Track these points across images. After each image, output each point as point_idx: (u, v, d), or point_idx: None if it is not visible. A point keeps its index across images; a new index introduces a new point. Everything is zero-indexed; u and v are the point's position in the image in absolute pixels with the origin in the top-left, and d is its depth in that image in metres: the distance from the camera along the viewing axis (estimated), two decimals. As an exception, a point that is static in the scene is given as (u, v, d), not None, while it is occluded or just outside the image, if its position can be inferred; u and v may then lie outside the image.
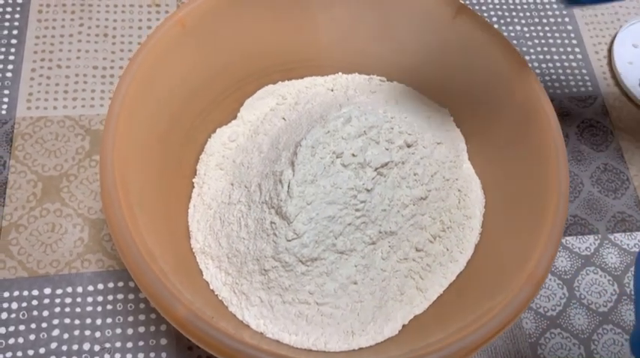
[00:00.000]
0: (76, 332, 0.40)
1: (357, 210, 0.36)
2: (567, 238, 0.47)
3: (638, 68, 0.55)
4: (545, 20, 0.58)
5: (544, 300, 0.44)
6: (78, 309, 0.41)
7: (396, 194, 0.37)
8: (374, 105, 0.41)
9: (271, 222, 0.35)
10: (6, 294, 0.41)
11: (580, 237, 0.47)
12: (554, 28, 0.57)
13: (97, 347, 0.40)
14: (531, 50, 0.56)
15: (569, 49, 0.56)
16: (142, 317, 0.41)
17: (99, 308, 0.41)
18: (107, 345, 0.40)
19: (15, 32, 0.51)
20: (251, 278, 0.36)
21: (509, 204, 0.39)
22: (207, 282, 0.37)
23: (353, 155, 0.36)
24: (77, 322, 0.40)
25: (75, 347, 0.39)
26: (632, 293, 0.28)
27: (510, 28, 0.57)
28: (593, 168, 0.50)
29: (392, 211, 0.37)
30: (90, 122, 0.48)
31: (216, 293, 0.37)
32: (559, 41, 0.57)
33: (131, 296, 0.41)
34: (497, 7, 0.58)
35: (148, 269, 0.30)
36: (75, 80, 0.50)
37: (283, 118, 0.43)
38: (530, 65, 0.39)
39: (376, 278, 0.36)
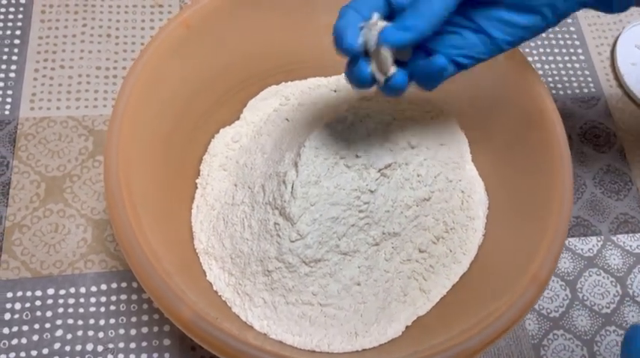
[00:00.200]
0: (80, 333, 0.40)
1: (360, 211, 0.36)
2: (570, 239, 0.47)
3: (641, 69, 0.55)
4: (547, 21, 0.58)
5: (547, 301, 0.44)
6: (81, 310, 0.41)
7: (400, 195, 0.37)
8: (377, 106, 0.41)
9: (275, 223, 0.35)
10: (9, 295, 0.41)
11: (583, 238, 0.47)
12: (557, 29, 0.57)
13: (100, 348, 0.40)
14: (534, 51, 0.56)
15: (571, 51, 0.56)
16: (145, 317, 0.41)
17: (102, 309, 0.41)
18: (110, 346, 0.40)
19: (18, 32, 0.51)
20: (254, 279, 0.36)
21: (512, 205, 0.39)
22: (210, 283, 0.37)
23: (356, 156, 0.36)
24: (80, 323, 0.40)
25: (78, 347, 0.39)
26: None
27: (513, 29, 0.57)
28: (595, 170, 0.50)
29: (395, 212, 0.37)
30: (93, 122, 0.48)
31: (219, 293, 0.37)
32: (562, 42, 0.57)
33: (134, 297, 0.41)
34: (500, 8, 0.58)
35: (153, 271, 0.30)
36: (78, 80, 0.50)
37: (287, 119, 0.43)
38: (532, 66, 0.39)
39: (379, 280, 0.36)
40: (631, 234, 0.48)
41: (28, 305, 0.40)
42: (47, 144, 0.46)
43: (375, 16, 0.29)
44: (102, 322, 0.40)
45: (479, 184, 0.41)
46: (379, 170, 0.36)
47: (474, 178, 0.42)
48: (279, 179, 0.36)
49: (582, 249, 0.47)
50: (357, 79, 0.30)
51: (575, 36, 0.57)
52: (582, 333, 0.43)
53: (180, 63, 0.38)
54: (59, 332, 0.40)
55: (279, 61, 0.45)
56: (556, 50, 0.56)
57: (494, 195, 0.41)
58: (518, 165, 0.39)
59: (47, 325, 0.40)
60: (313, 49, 0.44)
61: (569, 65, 0.55)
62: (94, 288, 0.41)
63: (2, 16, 0.52)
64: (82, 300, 0.41)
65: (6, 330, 0.40)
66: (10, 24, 0.51)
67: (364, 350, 0.35)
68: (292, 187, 0.35)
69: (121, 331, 0.40)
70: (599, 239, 0.47)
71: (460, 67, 0.31)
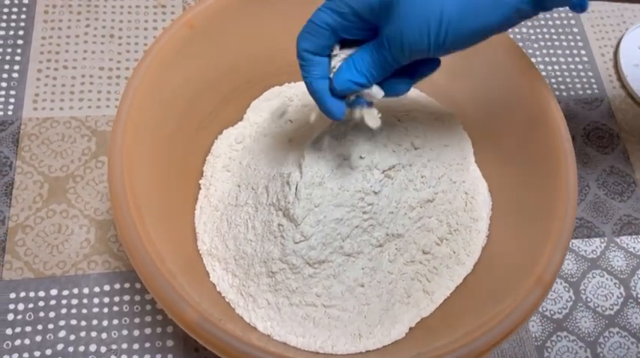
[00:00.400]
0: (83, 334, 0.40)
1: (364, 212, 0.36)
2: (573, 241, 0.47)
3: (644, 71, 0.55)
4: (550, 22, 0.58)
5: (550, 303, 0.44)
6: (84, 311, 0.41)
7: (403, 196, 0.37)
8: (380, 107, 0.41)
9: (279, 224, 0.35)
10: (12, 295, 0.41)
11: (586, 239, 0.47)
12: (560, 30, 0.57)
13: (103, 349, 0.40)
14: (537, 52, 0.56)
15: (575, 52, 0.56)
16: (148, 318, 0.41)
17: (105, 310, 0.41)
18: (114, 347, 0.40)
19: (21, 33, 0.51)
20: (258, 281, 0.36)
21: (516, 206, 0.39)
22: (214, 284, 0.37)
23: (360, 157, 0.36)
24: (83, 323, 0.40)
25: (81, 348, 0.39)
26: None
27: (516, 30, 0.57)
28: (599, 171, 0.50)
29: (399, 214, 0.37)
30: (96, 123, 0.48)
31: (223, 295, 0.37)
32: (565, 43, 0.57)
33: (137, 298, 0.41)
34: (503, 9, 0.58)
35: (157, 272, 0.30)
36: (81, 81, 0.50)
37: (290, 120, 0.42)
38: (536, 67, 0.39)
39: (383, 281, 0.36)
40: (634, 236, 0.48)
41: (31, 305, 0.40)
42: (50, 144, 0.46)
43: (336, 48, 0.31)
44: (105, 323, 0.40)
45: (482, 185, 0.41)
46: (383, 171, 0.36)
47: (478, 179, 0.42)
48: (283, 180, 0.36)
49: (586, 251, 0.47)
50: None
51: (578, 37, 0.57)
52: (586, 335, 0.43)
53: (183, 63, 0.38)
54: (62, 333, 0.40)
55: (283, 62, 0.45)
56: (559, 51, 0.56)
57: (498, 197, 0.41)
58: (522, 166, 0.39)
59: (50, 326, 0.40)
60: (317, 50, 0.44)
61: (572, 66, 0.55)
62: (97, 289, 0.41)
63: (5, 17, 0.52)
64: (85, 301, 0.41)
65: (9, 331, 0.40)
66: (12, 24, 0.51)
67: (368, 351, 0.35)
68: (296, 188, 0.35)
69: (124, 332, 0.40)
70: (602, 240, 0.47)
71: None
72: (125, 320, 0.41)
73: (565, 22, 0.58)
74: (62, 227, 0.43)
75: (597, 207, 0.49)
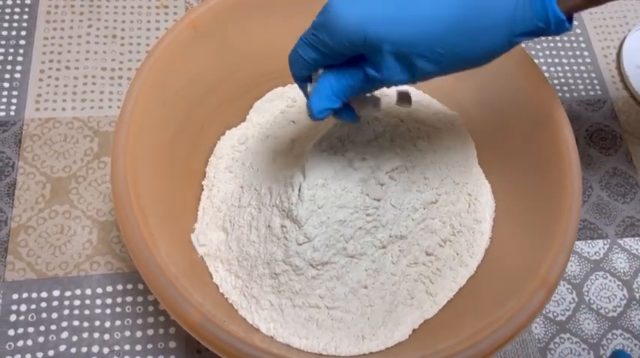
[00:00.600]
0: (85, 335, 0.40)
1: (367, 214, 0.35)
2: (576, 243, 0.47)
3: (647, 72, 0.55)
4: (553, 23, 0.58)
5: (553, 305, 0.44)
6: (87, 312, 0.41)
7: (407, 198, 0.37)
8: (384, 108, 0.41)
9: (282, 226, 0.35)
10: (15, 296, 0.41)
11: (589, 241, 0.47)
12: (563, 31, 0.57)
13: (105, 350, 0.39)
14: (540, 54, 0.56)
15: (577, 53, 0.56)
16: (150, 319, 0.41)
17: (108, 311, 0.41)
18: (116, 348, 0.40)
19: (23, 33, 0.51)
20: (261, 282, 0.36)
21: (519, 208, 0.39)
22: (217, 286, 0.37)
23: (364, 159, 0.36)
24: (86, 324, 0.40)
25: (84, 349, 0.39)
26: None
27: (519, 31, 0.57)
28: (602, 173, 0.50)
29: (402, 215, 0.37)
30: (99, 123, 0.48)
31: (225, 296, 0.37)
32: (567, 45, 0.57)
33: (140, 299, 0.41)
34: (506, 10, 0.58)
35: (160, 273, 0.30)
36: (84, 81, 0.50)
37: (293, 121, 0.42)
38: (540, 69, 0.38)
39: (386, 283, 0.36)
40: (637, 238, 0.47)
41: (33, 306, 0.40)
42: (53, 145, 0.46)
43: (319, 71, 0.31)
44: (107, 324, 0.40)
45: (485, 187, 0.41)
46: (386, 173, 0.36)
47: (481, 181, 0.42)
48: (286, 181, 0.36)
49: (589, 253, 0.46)
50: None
51: (581, 38, 0.57)
52: (589, 337, 0.43)
53: (186, 64, 0.38)
54: (65, 334, 0.40)
55: (285, 63, 0.44)
56: (562, 53, 0.56)
57: (501, 198, 0.41)
58: (525, 167, 0.39)
59: (53, 327, 0.40)
60: (320, 51, 0.44)
61: (575, 68, 0.55)
62: (99, 290, 0.41)
63: (7, 17, 0.52)
64: (87, 302, 0.41)
65: (11, 332, 0.39)
66: (15, 24, 0.51)
67: (371, 353, 0.35)
68: (299, 190, 0.35)
69: (127, 333, 0.40)
70: (605, 242, 0.47)
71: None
72: (128, 322, 0.41)
73: (568, 23, 0.58)
74: (64, 228, 0.43)
75: (600, 209, 0.49)
